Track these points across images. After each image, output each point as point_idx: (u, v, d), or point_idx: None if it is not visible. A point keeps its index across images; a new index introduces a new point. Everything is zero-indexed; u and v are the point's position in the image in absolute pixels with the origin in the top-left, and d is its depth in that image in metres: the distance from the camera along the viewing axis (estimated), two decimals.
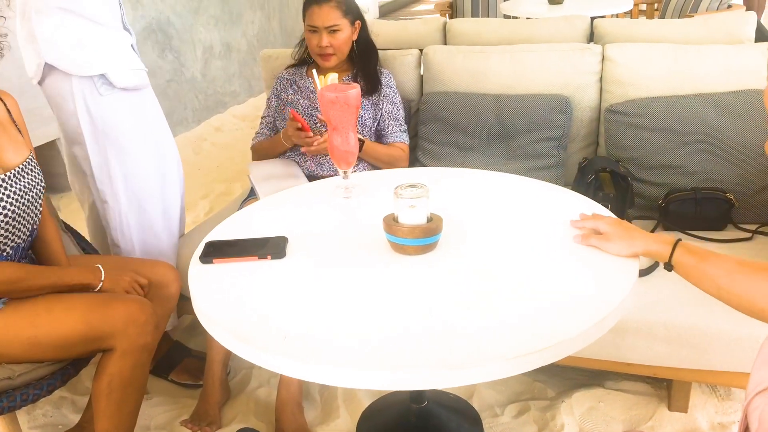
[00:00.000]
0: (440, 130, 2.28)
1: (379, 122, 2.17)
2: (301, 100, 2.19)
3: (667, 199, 1.98)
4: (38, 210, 1.58)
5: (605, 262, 1.15)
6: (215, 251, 1.28)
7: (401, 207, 1.20)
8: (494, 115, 2.20)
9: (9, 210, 1.46)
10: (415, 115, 2.40)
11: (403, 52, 2.38)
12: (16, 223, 1.49)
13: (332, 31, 2.06)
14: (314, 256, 1.25)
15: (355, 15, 2.11)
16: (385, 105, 2.17)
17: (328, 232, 1.35)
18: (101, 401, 1.52)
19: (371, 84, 2.17)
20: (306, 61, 2.27)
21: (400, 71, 2.36)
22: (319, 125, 2.10)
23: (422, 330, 0.99)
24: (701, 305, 1.57)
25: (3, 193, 1.45)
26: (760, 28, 2.38)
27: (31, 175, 1.54)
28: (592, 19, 2.46)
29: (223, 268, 1.24)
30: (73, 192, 2.17)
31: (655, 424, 1.80)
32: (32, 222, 1.56)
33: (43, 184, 1.59)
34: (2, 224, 1.45)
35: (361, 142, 1.99)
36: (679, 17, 4.03)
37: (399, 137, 2.17)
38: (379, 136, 2.19)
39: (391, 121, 2.17)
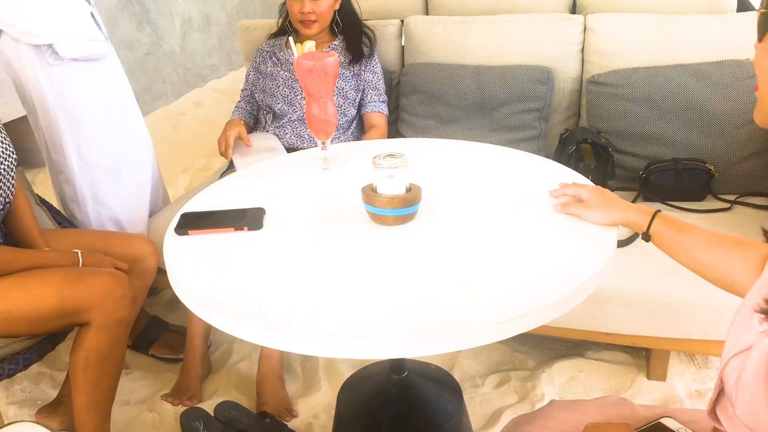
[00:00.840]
0: (421, 102, 2.26)
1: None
2: (281, 72, 2.15)
3: (647, 170, 1.98)
4: (10, 183, 1.54)
5: (584, 231, 1.15)
6: (190, 223, 1.26)
7: (380, 177, 1.18)
8: (476, 87, 2.18)
9: None
10: (396, 87, 2.37)
11: (383, 23, 2.35)
12: None
13: None
14: (292, 227, 1.23)
15: None
16: (365, 74, 2.14)
17: (306, 203, 1.33)
18: (78, 376, 1.50)
19: (354, 54, 2.14)
20: (286, 30, 2.22)
21: (381, 42, 2.33)
22: (299, 98, 2.07)
23: (400, 299, 0.98)
24: (679, 275, 1.55)
25: None
26: None
27: (1, 148, 1.50)
28: None
29: (199, 239, 1.22)
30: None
31: (634, 392, 1.82)
32: (4, 195, 1.52)
33: (14, 156, 1.55)
34: None
35: None
36: None
37: (377, 107, 2.15)
38: (359, 106, 2.17)
39: (370, 90, 2.14)
